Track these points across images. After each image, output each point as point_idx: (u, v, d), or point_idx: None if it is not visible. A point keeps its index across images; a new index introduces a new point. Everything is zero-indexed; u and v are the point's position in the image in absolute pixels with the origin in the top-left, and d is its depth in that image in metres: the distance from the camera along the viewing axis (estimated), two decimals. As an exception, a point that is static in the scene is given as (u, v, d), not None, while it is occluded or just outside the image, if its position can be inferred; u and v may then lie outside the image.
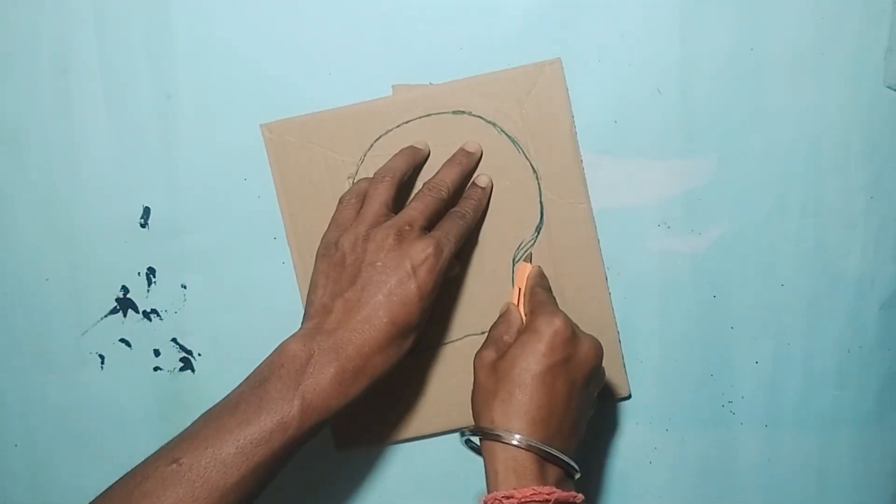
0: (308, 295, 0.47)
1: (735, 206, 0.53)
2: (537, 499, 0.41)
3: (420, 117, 0.52)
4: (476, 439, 0.45)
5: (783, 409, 0.55)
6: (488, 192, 0.52)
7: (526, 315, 0.48)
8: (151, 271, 0.54)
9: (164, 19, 0.51)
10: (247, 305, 0.54)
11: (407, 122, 0.52)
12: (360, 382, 0.44)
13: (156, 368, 0.55)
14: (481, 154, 0.52)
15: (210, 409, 0.43)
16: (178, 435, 0.43)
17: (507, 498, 0.41)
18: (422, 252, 0.45)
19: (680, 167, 0.52)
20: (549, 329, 0.44)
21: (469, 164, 0.51)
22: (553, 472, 0.43)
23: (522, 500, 0.41)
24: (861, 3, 0.51)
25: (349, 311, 0.44)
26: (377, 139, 0.52)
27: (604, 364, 0.48)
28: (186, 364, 0.55)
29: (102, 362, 0.55)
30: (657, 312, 0.53)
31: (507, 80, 0.51)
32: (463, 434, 0.46)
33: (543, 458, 0.42)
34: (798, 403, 0.55)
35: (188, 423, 0.43)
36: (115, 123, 0.52)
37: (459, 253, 0.53)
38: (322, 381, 0.43)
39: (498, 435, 0.42)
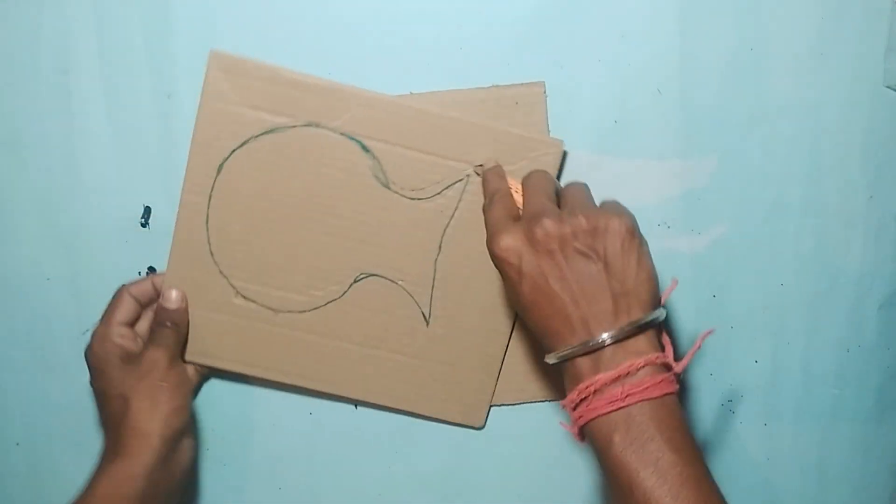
0: None
1: (735, 206, 0.53)
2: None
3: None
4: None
5: (783, 407, 0.55)
6: None
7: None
8: (152, 271, 0.54)
9: (164, 19, 0.51)
10: (247, 305, 0.54)
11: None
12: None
13: (156, 368, 0.55)
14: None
15: None
16: None
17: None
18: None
19: (680, 167, 0.52)
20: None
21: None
22: (645, 338, 0.41)
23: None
24: (861, 3, 0.51)
25: None
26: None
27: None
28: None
29: (103, 362, 0.55)
30: (657, 312, 0.54)
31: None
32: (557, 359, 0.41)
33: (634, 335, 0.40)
34: (797, 402, 0.55)
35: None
36: (115, 123, 0.52)
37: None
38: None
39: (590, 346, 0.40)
